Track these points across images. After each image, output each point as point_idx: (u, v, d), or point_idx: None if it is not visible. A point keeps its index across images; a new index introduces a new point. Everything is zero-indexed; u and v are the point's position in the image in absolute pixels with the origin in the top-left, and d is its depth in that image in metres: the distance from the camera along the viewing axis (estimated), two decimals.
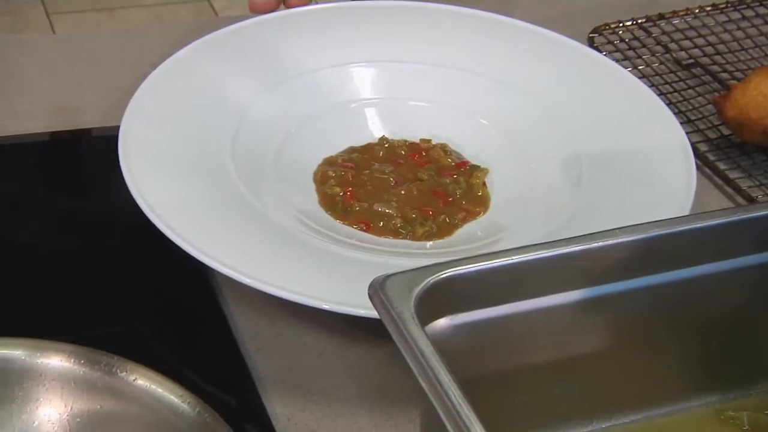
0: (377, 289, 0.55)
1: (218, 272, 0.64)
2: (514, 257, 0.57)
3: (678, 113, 0.81)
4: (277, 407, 0.62)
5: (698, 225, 0.59)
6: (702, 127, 0.81)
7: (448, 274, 0.55)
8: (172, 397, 0.57)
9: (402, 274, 0.55)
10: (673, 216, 0.63)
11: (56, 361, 0.58)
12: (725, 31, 0.90)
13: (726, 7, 0.92)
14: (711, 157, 0.79)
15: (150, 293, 0.69)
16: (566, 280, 0.57)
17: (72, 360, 0.58)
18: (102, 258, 0.70)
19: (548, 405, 0.59)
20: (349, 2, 0.85)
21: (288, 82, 0.80)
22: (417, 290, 0.54)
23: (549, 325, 0.58)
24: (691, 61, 0.87)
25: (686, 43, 0.89)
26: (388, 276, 0.55)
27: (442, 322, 0.56)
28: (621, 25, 0.90)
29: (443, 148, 0.78)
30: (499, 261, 0.56)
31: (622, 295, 0.59)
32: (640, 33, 0.89)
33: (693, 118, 0.82)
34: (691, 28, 0.90)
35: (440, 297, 0.55)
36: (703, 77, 0.85)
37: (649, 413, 0.61)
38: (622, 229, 0.57)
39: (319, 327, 0.66)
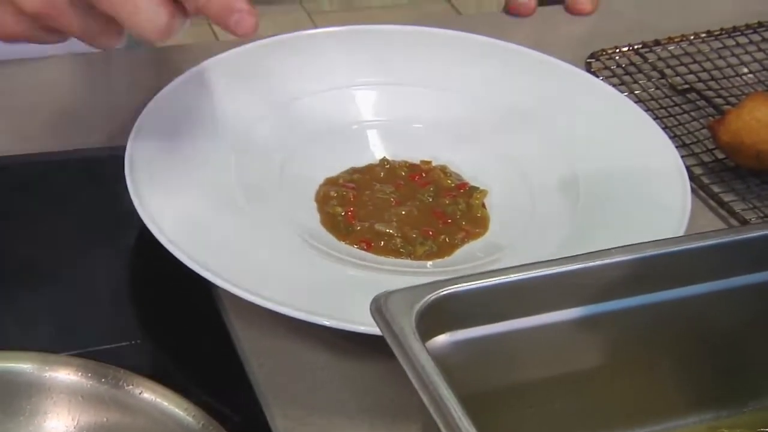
0: (379, 306, 0.56)
1: (222, 288, 0.66)
2: (512, 275, 0.58)
3: (674, 137, 0.82)
4: (279, 420, 0.63)
5: (693, 245, 0.60)
6: (697, 150, 0.83)
7: (448, 292, 0.57)
8: (177, 410, 0.58)
9: (403, 291, 0.57)
10: (669, 237, 0.65)
11: (64, 374, 0.60)
12: (720, 57, 0.92)
13: (720, 34, 0.94)
14: (705, 180, 0.80)
15: (155, 309, 0.70)
16: (564, 298, 0.59)
17: (79, 373, 0.60)
18: (109, 274, 0.71)
19: (548, 420, 0.60)
20: (351, 26, 0.87)
21: (290, 103, 0.81)
22: (418, 306, 0.56)
23: (548, 341, 0.59)
24: (687, 86, 0.89)
25: (682, 69, 0.90)
26: (390, 293, 0.56)
27: (443, 339, 0.58)
28: (617, 50, 0.91)
29: (443, 169, 0.79)
30: (498, 279, 0.57)
31: (619, 314, 0.60)
32: (636, 58, 0.91)
33: (688, 142, 0.83)
34: (687, 54, 0.92)
35: (440, 314, 0.56)
36: (698, 102, 0.87)
37: (644, 429, 0.62)
38: (619, 249, 0.59)
39: (320, 343, 0.67)
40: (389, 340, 0.55)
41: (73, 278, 0.70)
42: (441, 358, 0.54)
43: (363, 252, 0.73)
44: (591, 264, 0.58)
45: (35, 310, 0.67)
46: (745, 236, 0.61)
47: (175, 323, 0.69)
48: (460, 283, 0.57)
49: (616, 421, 0.61)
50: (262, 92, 0.81)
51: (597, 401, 0.61)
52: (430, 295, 0.56)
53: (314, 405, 0.65)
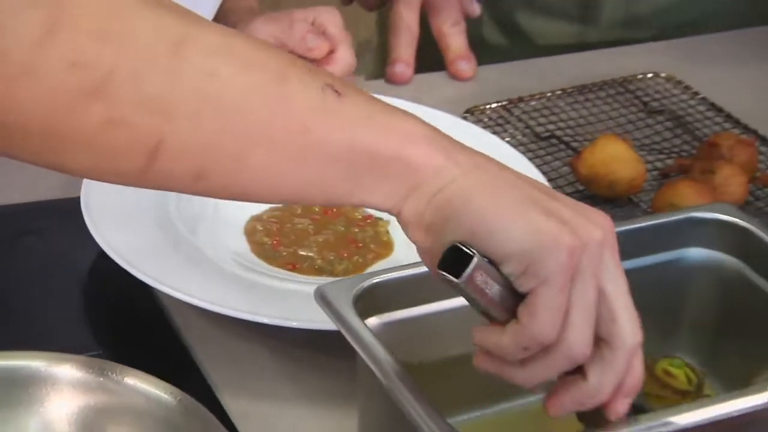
0: (322, 293, 0.69)
1: (171, 301, 0.78)
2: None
3: (541, 174, 0.97)
4: (232, 406, 0.76)
5: None
6: (561, 183, 0.98)
7: (377, 281, 0.70)
8: (156, 389, 0.69)
9: (340, 282, 0.70)
10: None
11: (55, 368, 0.70)
12: (573, 109, 1.08)
13: (573, 91, 1.11)
14: None
15: (114, 326, 0.83)
16: None
17: (68, 366, 0.70)
18: (70, 296, 0.84)
19: (464, 390, 0.73)
20: None
21: None
22: (354, 292, 0.69)
23: (461, 322, 0.72)
24: (548, 133, 1.05)
25: (543, 120, 1.07)
26: (329, 283, 0.70)
27: (373, 320, 0.71)
28: (488, 106, 1.07)
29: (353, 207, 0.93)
30: (417, 270, 0.71)
31: None
32: (504, 113, 1.07)
33: (553, 177, 0.99)
34: (546, 107, 1.08)
35: (372, 299, 0.70)
36: (558, 146, 1.03)
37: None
38: None
39: (261, 344, 0.80)
40: (333, 319, 0.68)
41: (58, 299, 0.83)
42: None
43: (289, 272, 0.86)
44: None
45: (33, 323, 0.79)
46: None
47: (132, 339, 0.81)
48: (386, 274, 0.71)
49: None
50: None
51: None
52: (363, 283, 0.70)
53: (261, 392, 0.77)
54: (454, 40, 1.14)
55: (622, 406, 0.60)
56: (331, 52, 0.95)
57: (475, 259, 0.57)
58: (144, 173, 0.58)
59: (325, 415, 0.76)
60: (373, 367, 0.65)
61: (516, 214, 0.57)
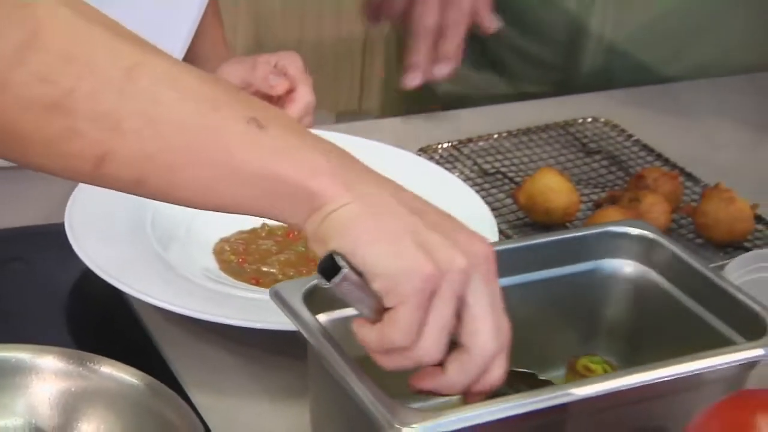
0: (276, 292, 0.78)
1: (150, 306, 0.87)
2: None
3: (487, 204, 1.07)
4: (198, 398, 0.85)
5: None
6: (504, 212, 1.08)
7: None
8: (126, 375, 0.78)
9: (292, 282, 0.80)
10: None
11: (39, 359, 0.79)
12: (518, 149, 1.19)
13: (518, 133, 1.21)
14: (510, 233, 1.06)
15: (94, 326, 0.93)
16: None
17: (50, 357, 0.79)
18: (68, 308, 0.95)
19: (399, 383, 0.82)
20: None
21: None
22: (303, 290, 0.78)
23: None
24: (494, 170, 1.15)
25: (490, 158, 1.17)
26: (282, 284, 0.79)
27: (322, 317, 0.80)
28: (440, 146, 1.17)
29: None
30: None
31: None
32: (454, 151, 1.17)
33: (497, 207, 1.09)
34: (493, 147, 1.19)
35: (319, 298, 0.79)
36: (503, 180, 1.13)
37: None
38: None
39: (223, 345, 0.89)
40: (285, 312, 0.77)
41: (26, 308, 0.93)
42: None
43: (253, 286, 0.95)
44: None
45: (29, 326, 0.90)
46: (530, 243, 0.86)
47: (108, 342, 0.91)
48: None
49: None
50: None
51: None
52: (311, 284, 0.79)
53: (225, 388, 0.86)
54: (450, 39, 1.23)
55: (473, 399, 0.72)
56: (292, 91, 1.06)
57: (343, 271, 0.68)
58: (94, 175, 0.70)
59: (282, 407, 0.85)
60: (318, 347, 0.74)
61: (388, 241, 0.68)
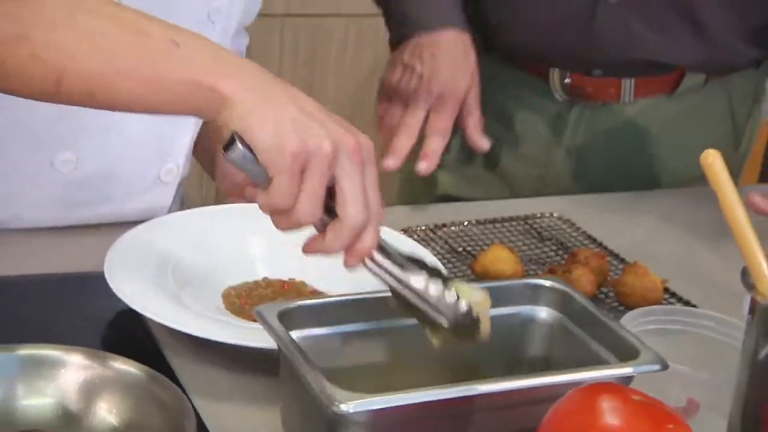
0: (259, 312, 1.02)
1: (164, 327, 1.11)
2: (330, 299, 1.06)
3: (451, 273, 1.31)
4: (197, 401, 1.08)
5: None
6: (465, 279, 1.31)
7: (294, 305, 1.03)
8: (135, 369, 1.00)
9: (271, 305, 1.03)
10: None
11: (68, 355, 1.01)
12: (483, 234, 1.43)
13: (485, 222, 1.45)
14: None
15: (131, 342, 1.16)
16: (358, 315, 1.05)
17: (71, 355, 1.01)
18: (109, 329, 1.18)
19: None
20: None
21: (214, 250, 1.29)
22: (277, 311, 1.01)
23: (357, 340, 1.05)
24: (461, 249, 1.39)
25: (459, 240, 1.41)
26: (263, 306, 1.02)
27: (294, 334, 1.03)
28: (418, 228, 1.42)
29: (302, 284, 1.26)
30: (322, 300, 1.05)
31: (392, 327, 1.06)
32: (430, 233, 1.41)
33: (459, 275, 1.32)
34: (462, 231, 1.43)
35: (291, 319, 1.02)
36: (467, 257, 1.37)
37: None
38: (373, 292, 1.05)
39: (221, 364, 1.13)
40: (265, 328, 1.00)
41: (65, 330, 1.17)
42: None
43: (252, 323, 1.19)
44: (369, 296, 1.05)
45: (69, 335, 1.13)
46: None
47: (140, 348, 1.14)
48: (301, 302, 1.04)
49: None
50: (193, 238, 1.28)
51: (397, 378, 1.05)
52: (284, 307, 1.02)
53: (216, 391, 1.09)
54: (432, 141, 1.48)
55: (350, 261, 0.97)
56: None
57: (236, 145, 0.93)
58: (55, 92, 0.96)
59: (268, 409, 1.06)
60: (284, 350, 0.97)
61: (272, 125, 0.93)
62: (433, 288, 0.98)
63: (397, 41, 1.53)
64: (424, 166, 1.46)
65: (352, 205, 0.94)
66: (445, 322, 0.98)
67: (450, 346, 1.00)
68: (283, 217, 0.95)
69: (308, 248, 0.99)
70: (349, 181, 0.94)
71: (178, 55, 0.95)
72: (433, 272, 0.98)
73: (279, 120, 0.93)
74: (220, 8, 1.31)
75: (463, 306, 0.98)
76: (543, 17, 1.55)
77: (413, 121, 1.46)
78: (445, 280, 0.98)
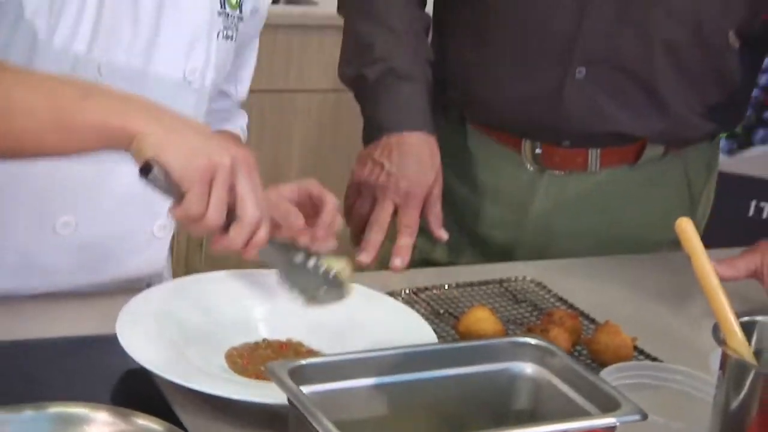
0: (271, 368, 1.11)
1: (174, 384, 1.19)
2: (335, 357, 1.15)
3: (435, 333, 1.39)
4: None
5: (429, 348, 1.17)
6: (448, 340, 1.41)
7: (302, 363, 1.12)
8: (156, 426, 1.09)
9: (282, 362, 1.12)
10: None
11: (94, 413, 1.10)
12: (463, 296, 1.53)
13: (464, 285, 1.55)
14: None
15: (142, 398, 1.24)
16: (365, 371, 1.14)
17: (104, 411, 1.10)
18: (120, 385, 1.26)
19: None
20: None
21: (218, 314, 1.37)
22: (288, 368, 1.10)
23: (359, 395, 1.13)
24: (442, 311, 1.48)
25: (440, 302, 1.51)
26: (275, 363, 1.11)
27: (303, 388, 1.12)
28: (402, 291, 1.51)
29: (299, 344, 1.35)
30: (330, 359, 1.14)
31: (400, 384, 1.15)
32: (413, 296, 1.51)
33: (442, 335, 1.41)
34: (444, 294, 1.52)
35: (300, 375, 1.11)
36: (450, 318, 1.46)
37: None
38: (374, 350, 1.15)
39: (223, 415, 1.21)
40: (277, 383, 1.09)
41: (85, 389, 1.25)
42: None
43: (254, 380, 1.27)
44: (372, 354, 1.14)
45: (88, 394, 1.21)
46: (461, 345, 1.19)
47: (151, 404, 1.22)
48: (310, 360, 1.13)
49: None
50: (203, 303, 1.37)
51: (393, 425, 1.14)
52: (294, 364, 1.11)
53: None
54: (402, 237, 1.60)
55: (250, 252, 1.22)
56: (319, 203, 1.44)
57: (153, 168, 1.14)
58: None
59: None
60: (296, 403, 1.06)
61: (182, 149, 1.15)
62: (310, 262, 1.33)
63: (367, 141, 1.67)
64: (398, 262, 1.58)
65: (250, 206, 1.18)
66: (322, 288, 1.33)
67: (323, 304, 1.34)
68: (196, 225, 1.17)
69: (215, 245, 1.20)
70: (245, 186, 1.17)
71: (90, 106, 1.16)
72: (308, 252, 1.33)
73: (186, 143, 1.15)
74: (195, 68, 1.42)
75: (332, 273, 1.33)
76: (517, 93, 1.67)
77: (383, 215, 1.61)
78: (318, 257, 1.33)
